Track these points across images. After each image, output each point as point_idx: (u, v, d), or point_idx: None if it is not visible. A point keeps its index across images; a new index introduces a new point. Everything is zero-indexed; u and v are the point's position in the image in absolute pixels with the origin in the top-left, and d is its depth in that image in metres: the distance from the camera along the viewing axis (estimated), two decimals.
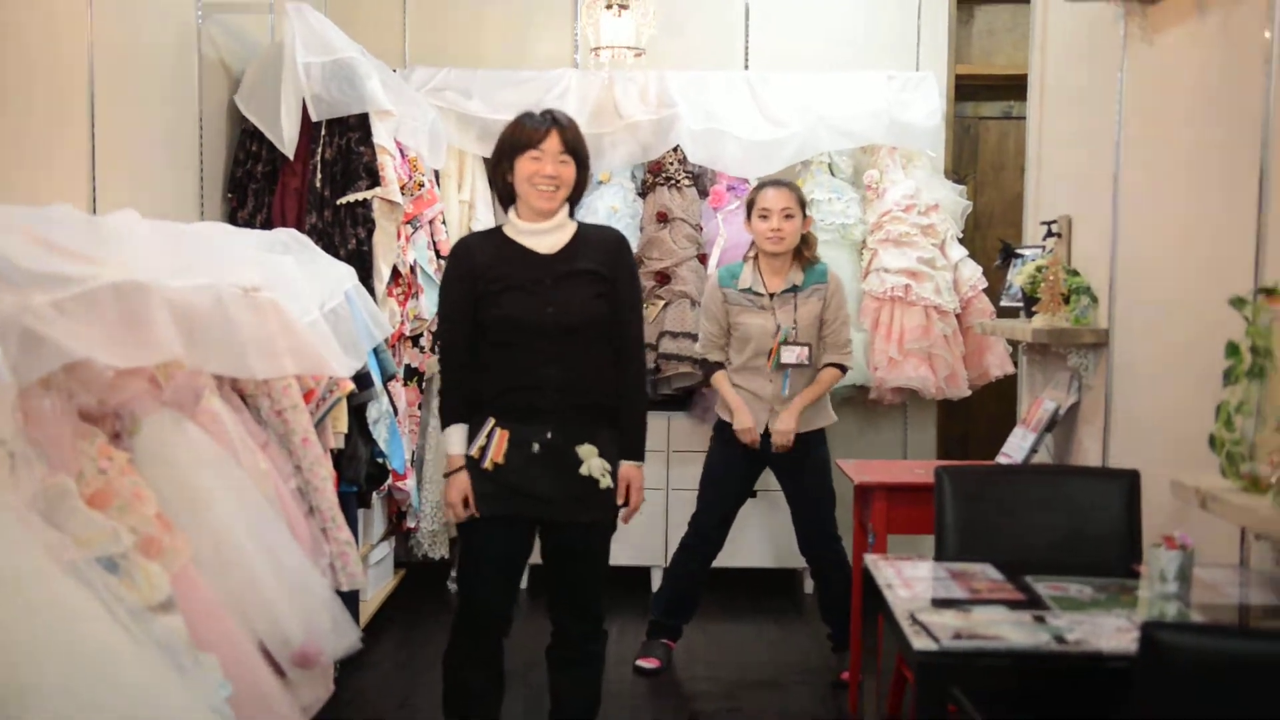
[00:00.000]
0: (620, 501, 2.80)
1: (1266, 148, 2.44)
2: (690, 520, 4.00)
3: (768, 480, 4.00)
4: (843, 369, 3.84)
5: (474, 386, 2.76)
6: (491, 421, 2.71)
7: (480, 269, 2.73)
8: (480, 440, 2.71)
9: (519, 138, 2.72)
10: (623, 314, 2.79)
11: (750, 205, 3.83)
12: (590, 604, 2.87)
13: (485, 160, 4.78)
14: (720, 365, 3.88)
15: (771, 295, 3.79)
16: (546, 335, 2.69)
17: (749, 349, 3.80)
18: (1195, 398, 2.64)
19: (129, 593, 1.69)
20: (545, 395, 2.69)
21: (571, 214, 2.81)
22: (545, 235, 2.75)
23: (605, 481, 2.73)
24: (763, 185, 3.85)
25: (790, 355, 3.76)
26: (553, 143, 2.70)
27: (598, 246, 2.79)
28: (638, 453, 2.83)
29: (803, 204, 3.81)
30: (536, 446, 2.69)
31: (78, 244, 1.89)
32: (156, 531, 1.84)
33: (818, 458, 3.88)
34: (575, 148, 2.73)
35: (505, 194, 2.81)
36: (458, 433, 2.77)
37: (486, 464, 2.69)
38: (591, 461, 2.71)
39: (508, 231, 2.79)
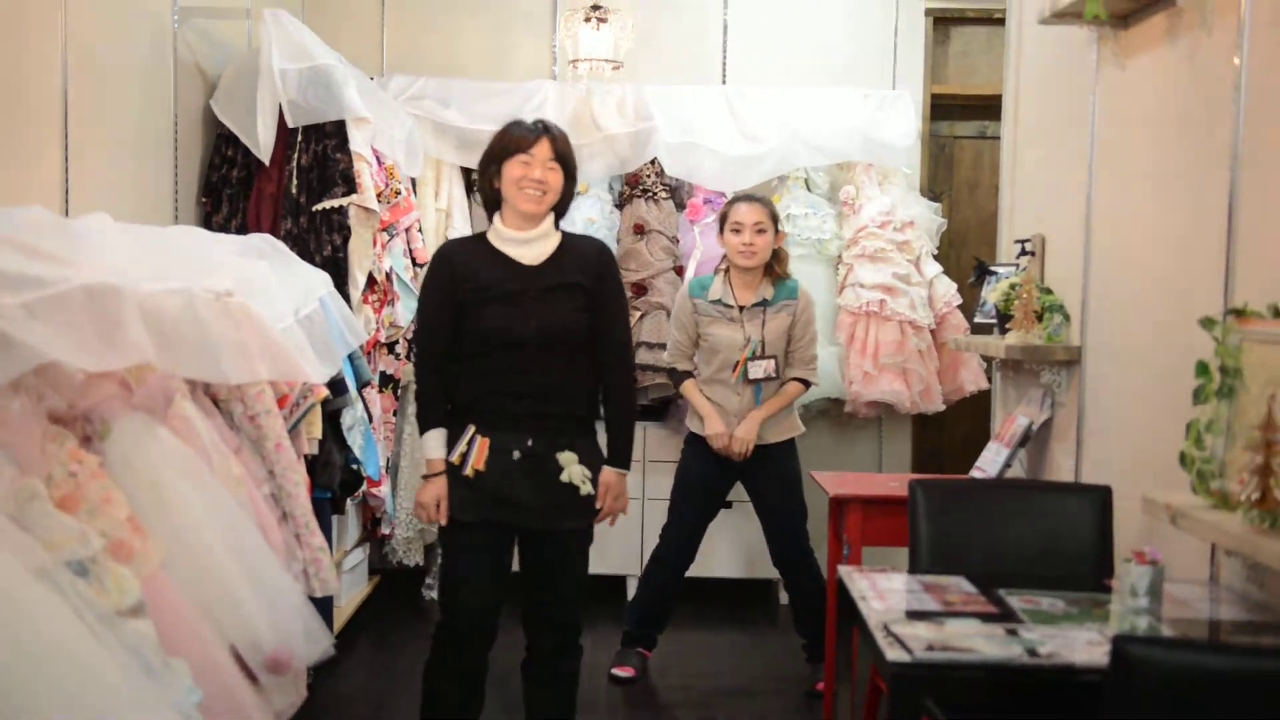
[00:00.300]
0: (598, 505, 2.79)
1: (1236, 170, 2.48)
2: (661, 532, 4.00)
3: (741, 491, 4.01)
4: (806, 384, 3.87)
5: (451, 392, 2.75)
6: (472, 429, 2.70)
7: (461, 278, 2.72)
8: (461, 447, 2.70)
9: (509, 142, 2.72)
10: (607, 322, 2.79)
11: (723, 219, 3.84)
12: (567, 617, 2.85)
13: (462, 169, 4.79)
14: (689, 374, 3.90)
15: (741, 308, 3.81)
16: (528, 348, 2.68)
17: (716, 360, 3.82)
18: (1166, 415, 2.67)
19: (98, 597, 1.66)
20: (525, 403, 2.69)
21: (557, 225, 2.80)
22: (530, 245, 2.74)
23: (586, 489, 2.73)
24: (735, 200, 3.87)
25: (758, 369, 3.78)
26: (543, 149, 2.70)
27: (581, 258, 2.78)
28: (624, 460, 2.82)
29: (775, 219, 3.83)
30: (517, 454, 2.68)
31: (49, 246, 1.87)
32: (127, 535, 1.82)
33: (788, 472, 3.89)
34: (564, 157, 2.74)
35: (491, 199, 2.79)
36: (437, 437, 2.75)
37: (467, 471, 2.68)
38: (572, 469, 2.70)
39: (491, 239, 2.78)
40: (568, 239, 2.82)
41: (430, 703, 2.83)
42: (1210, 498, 2.15)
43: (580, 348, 2.76)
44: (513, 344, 2.68)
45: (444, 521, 2.73)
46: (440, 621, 2.82)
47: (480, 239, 2.81)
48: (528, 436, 2.69)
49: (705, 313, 3.84)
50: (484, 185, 2.79)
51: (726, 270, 3.87)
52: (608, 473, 2.79)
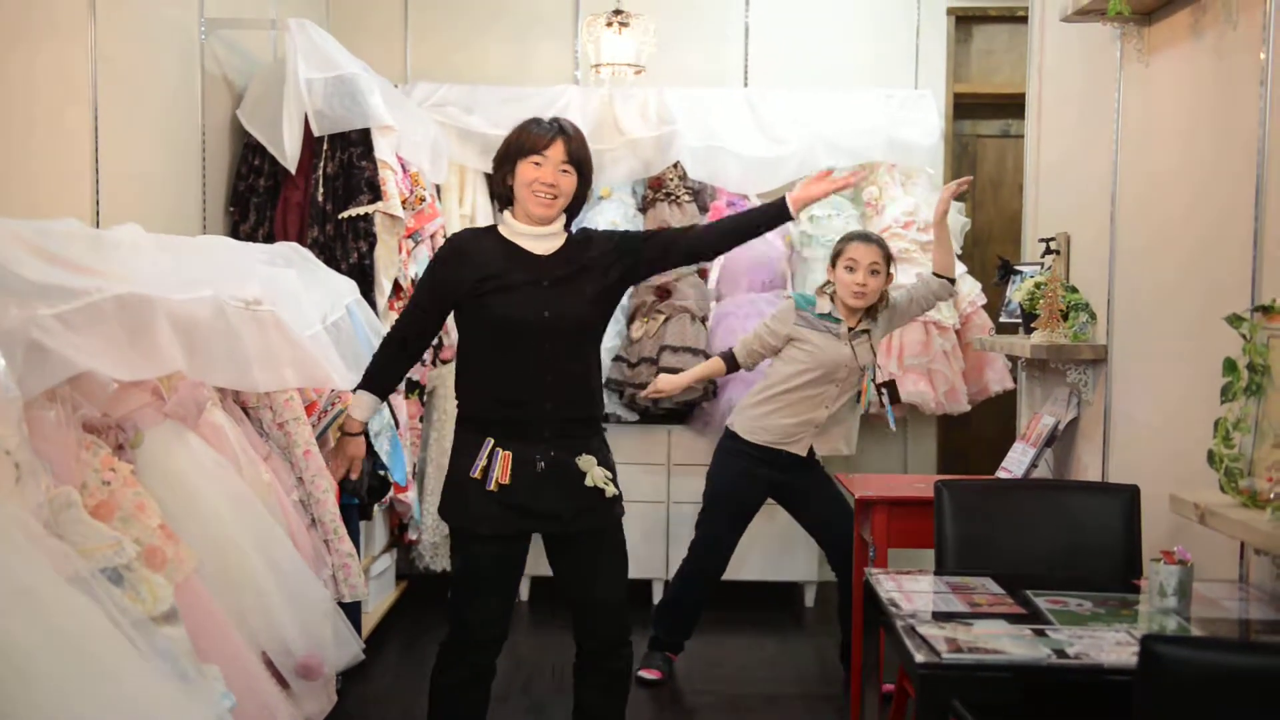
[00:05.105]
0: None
1: (1262, 166, 2.46)
2: (692, 546, 3.96)
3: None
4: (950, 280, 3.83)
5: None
6: (490, 442, 2.64)
7: (471, 266, 2.68)
8: (481, 461, 2.64)
9: (523, 142, 2.70)
10: (649, 239, 2.80)
11: (837, 254, 3.76)
12: (616, 614, 2.80)
13: (486, 175, 4.82)
14: (736, 366, 3.87)
15: (850, 329, 3.74)
16: (542, 337, 2.64)
17: (811, 371, 3.72)
18: (1194, 413, 2.65)
19: (132, 603, 1.69)
20: (541, 408, 2.65)
21: (569, 225, 2.78)
22: (540, 239, 2.72)
23: (611, 490, 2.70)
24: (853, 237, 3.78)
25: (872, 393, 3.79)
26: (556, 151, 2.67)
27: (586, 243, 2.76)
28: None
29: (889, 259, 3.75)
30: (541, 464, 2.64)
31: (82, 257, 1.90)
32: (160, 542, 1.85)
33: (821, 480, 3.87)
34: (579, 159, 2.71)
35: (504, 197, 2.77)
36: (368, 399, 2.76)
37: (491, 485, 2.62)
38: (593, 471, 2.68)
39: (503, 231, 2.75)
40: (580, 234, 2.80)
41: (437, 709, 2.78)
42: (1239, 496, 2.14)
43: (591, 342, 2.74)
44: (526, 334, 2.64)
45: (355, 476, 2.80)
46: (450, 630, 2.77)
47: (492, 230, 2.78)
48: (550, 445, 2.66)
49: (810, 324, 3.74)
50: (497, 180, 2.76)
51: (832, 295, 3.78)
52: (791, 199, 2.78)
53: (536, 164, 2.66)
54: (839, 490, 3.86)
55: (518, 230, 2.72)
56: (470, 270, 2.67)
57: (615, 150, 4.76)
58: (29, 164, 2.67)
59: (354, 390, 2.79)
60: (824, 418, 3.77)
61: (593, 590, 2.78)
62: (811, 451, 3.86)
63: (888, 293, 3.81)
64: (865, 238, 3.77)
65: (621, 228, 4.69)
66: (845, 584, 3.84)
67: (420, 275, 2.84)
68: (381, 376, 2.77)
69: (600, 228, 4.59)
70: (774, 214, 2.78)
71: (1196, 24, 2.79)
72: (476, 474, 2.63)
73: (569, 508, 2.67)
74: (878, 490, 3.55)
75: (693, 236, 2.87)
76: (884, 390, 3.83)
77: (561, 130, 2.70)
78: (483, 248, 2.71)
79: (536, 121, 2.73)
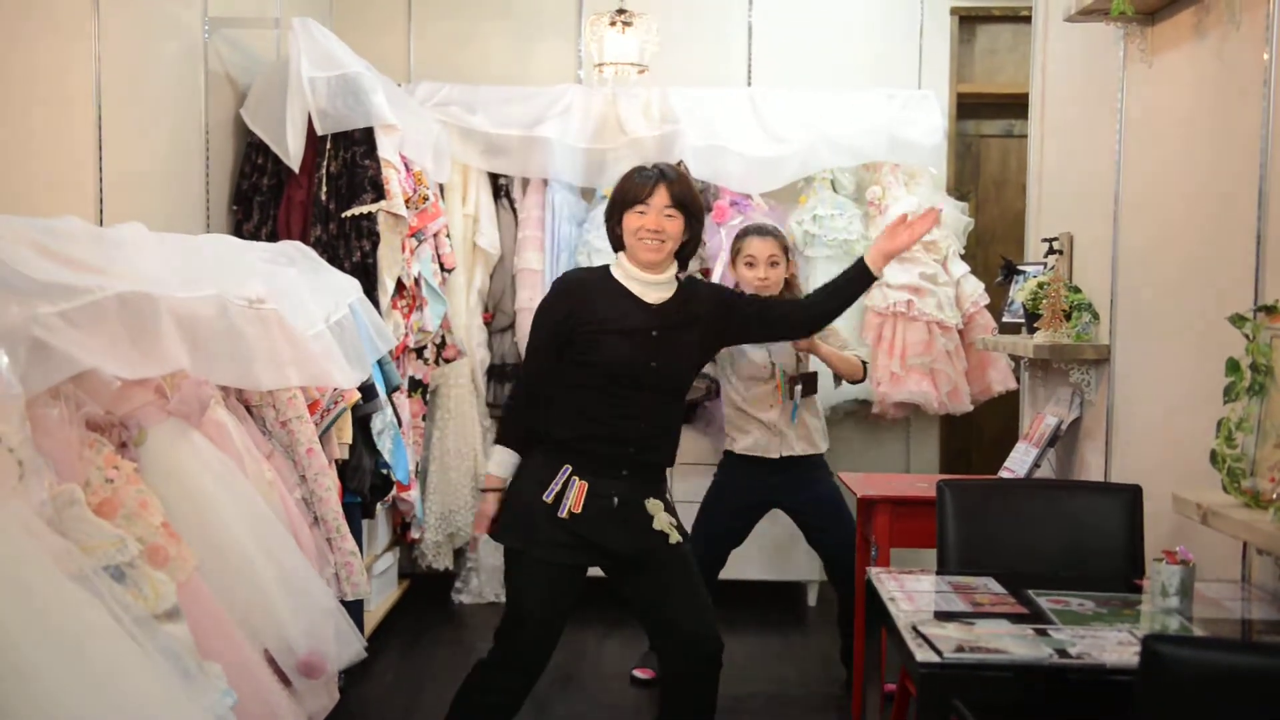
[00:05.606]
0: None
1: (1266, 166, 2.46)
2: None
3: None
4: (863, 362, 3.84)
5: (547, 424, 2.71)
6: (569, 469, 2.65)
7: (580, 310, 2.69)
8: (556, 487, 2.64)
9: (627, 191, 2.72)
10: (755, 310, 2.85)
11: (735, 251, 3.78)
12: (704, 628, 2.73)
13: (489, 175, 4.82)
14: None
15: None
16: (643, 387, 2.66)
17: (748, 378, 3.78)
18: (1196, 414, 2.65)
19: (135, 601, 1.69)
20: (627, 449, 2.66)
21: (685, 266, 2.80)
22: (653, 287, 2.72)
23: (674, 536, 2.70)
24: (747, 232, 3.80)
25: (794, 386, 3.77)
26: (659, 198, 2.68)
27: (698, 296, 2.79)
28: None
29: (787, 250, 3.77)
30: (616, 500, 2.65)
31: (85, 255, 1.91)
32: (163, 540, 1.85)
33: (826, 493, 3.82)
34: (684, 201, 2.70)
35: (616, 244, 2.79)
36: (505, 455, 2.74)
37: (563, 513, 2.62)
38: (660, 516, 2.69)
39: (616, 273, 2.75)
40: (689, 283, 2.81)
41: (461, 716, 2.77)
42: (1241, 496, 2.14)
43: (682, 394, 2.80)
44: (628, 382, 2.66)
45: (483, 532, 2.75)
46: (497, 652, 2.72)
47: (604, 272, 2.78)
48: (626, 484, 2.66)
49: None
50: (609, 229, 2.79)
51: None
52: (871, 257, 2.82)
53: (640, 213, 2.69)
54: (839, 501, 3.82)
55: (631, 274, 2.73)
56: (585, 310, 2.69)
57: (618, 150, 4.77)
58: (32, 162, 2.68)
59: (494, 444, 2.80)
60: (775, 417, 3.76)
61: (670, 610, 2.73)
62: (811, 460, 3.83)
63: (797, 281, 3.84)
64: (760, 231, 3.79)
65: None
66: (846, 599, 3.82)
67: (533, 323, 2.82)
68: (518, 430, 2.76)
69: (601, 226, 4.63)
70: (860, 279, 2.82)
71: (1199, 24, 2.79)
72: (549, 499, 2.64)
73: (632, 548, 2.68)
74: (880, 490, 3.55)
75: (794, 320, 2.90)
76: (798, 383, 3.78)
77: (662, 175, 2.72)
78: (596, 289, 2.73)
79: (639, 170, 2.76)
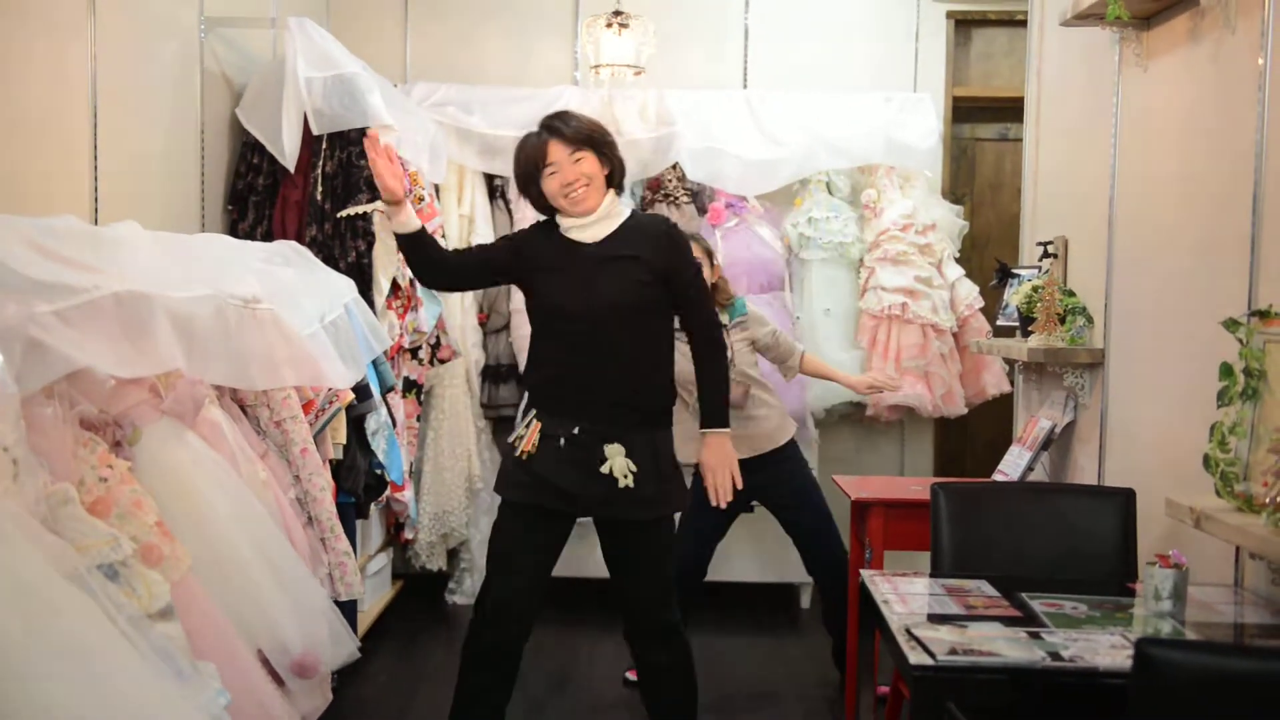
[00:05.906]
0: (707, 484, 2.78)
1: (1260, 171, 2.47)
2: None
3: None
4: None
5: (444, 258, 2.86)
6: (533, 413, 2.74)
7: (527, 252, 2.77)
8: (519, 429, 2.75)
9: (527, 162, 2.73)
10: (685, 296, 2.77)
11: (534, 167, 3.75)
12: (653, 610, 2.80)
13: (485, 175, 4.82)
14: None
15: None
16: (583, 322, 2.67)
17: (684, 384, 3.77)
18: (1190, 418, 2.66)
19: (129, 600, 1.69)
20: (575, 388, 2.68)
21: (621, 190, 2.80)
22: (589, 227, 2.73)
23: (624, 482, 2.66)
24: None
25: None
26: (558, 151, 2.68)
27: (644, 234, 2.74)
28: (716, 419, 2.78)
29: (709, 254, 3.72)
30: (563, 441, 2.67)
31: (80, 254, 1.90)
32: (156, 540, 1.85)
33: (799, 484, 3.80)
34: (581, 138, 2.70)
35: (548, 211, 2.79)
36: (413, 215, 2.80)
37: (519, 453, 2.71)
38: (615, 460, 2.65)
39: (559, 220, 2.78)
40: (635, 217, 2.79)
41: (461, 683, 2.79)
42: (1234, 500, 2.15)
43: (645, 333, 2.72)
44: (569, 319, 2.69)
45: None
46: (479, 597, 2.83)
47: (550, 222, 2.81)
48: (574, 424, 2.67)
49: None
50: (533, 202, 2.79)
51: None
52: (706, 437, 2.78)
53: (552, 173, 2.69)
54: (814, 495, 3.81)
55: (567, 225, 2.76)
56: (528, 248, 2.78)
57: None
58: (27, 161, 2.67)
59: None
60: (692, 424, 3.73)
61: (628, 588, 2.81)
62: (782, 452, 3.79)
63: (723, 282, 3.79)
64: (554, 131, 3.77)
65: None
66: (826, 591, 3.82)
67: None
68: (427, 237, 2.83)
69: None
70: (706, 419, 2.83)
71: (1195, 29, 2.80)
72: (512, 440, 2.75)
73: (582, 490, 2.67)
74: (874, 492, 3.55)
75: (693, 343, 2.83)
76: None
77: (547, 129, 2.72)
78: (538, 233, 2.81)
79: (527, 138, 2.77)
